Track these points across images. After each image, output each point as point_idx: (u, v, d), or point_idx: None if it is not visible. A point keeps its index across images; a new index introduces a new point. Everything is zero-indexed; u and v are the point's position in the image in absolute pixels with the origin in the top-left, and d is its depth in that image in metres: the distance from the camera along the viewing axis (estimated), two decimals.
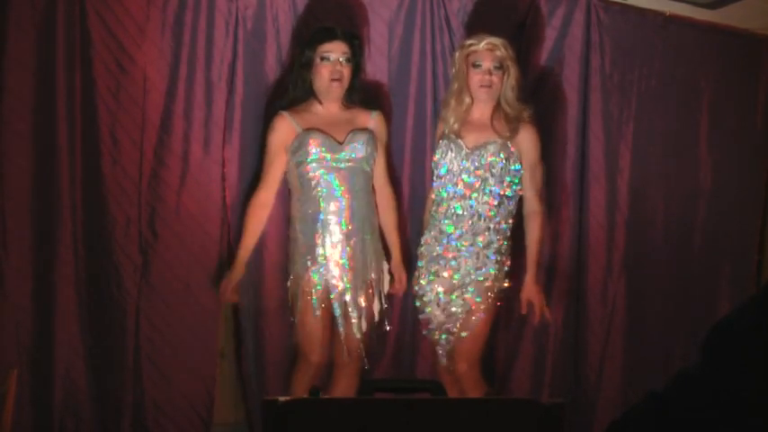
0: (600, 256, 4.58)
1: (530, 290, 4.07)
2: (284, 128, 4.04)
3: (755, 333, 1.22)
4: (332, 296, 4.00)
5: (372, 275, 4.08)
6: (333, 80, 4.02)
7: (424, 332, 4.17)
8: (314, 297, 3.99)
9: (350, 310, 4.01)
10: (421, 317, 4.17)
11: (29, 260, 3.92)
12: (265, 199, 4.08)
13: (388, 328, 4.16)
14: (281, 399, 2.20)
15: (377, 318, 4.11)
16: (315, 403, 2.30)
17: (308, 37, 4.11)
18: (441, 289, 4.08)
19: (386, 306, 4.14)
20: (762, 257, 4.96)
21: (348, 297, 4.01)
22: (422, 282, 4.13)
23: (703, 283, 4.81)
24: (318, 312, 3.99)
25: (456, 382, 4.01)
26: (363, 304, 4.03)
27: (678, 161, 4.76)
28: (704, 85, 4.78)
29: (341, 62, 4.03)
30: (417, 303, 4.15)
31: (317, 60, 4.03)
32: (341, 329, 4.01)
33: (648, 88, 4.67)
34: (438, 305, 4.07)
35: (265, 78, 4.24)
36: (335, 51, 4.02)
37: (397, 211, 4.23)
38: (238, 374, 4.33)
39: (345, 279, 4.00)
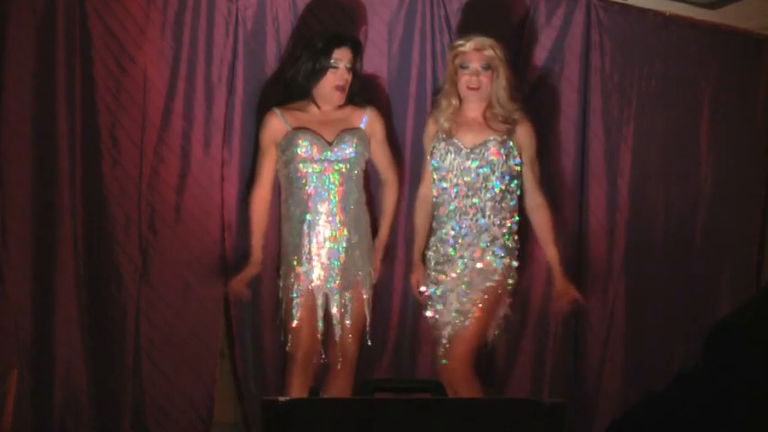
0: (600, 256, 4.58)
1: (563, 287, 4.09)
2: (274, 124, 4.04)
3: (756, 333, 1.22)
4: (319, 296, 3.99)
5: (360, 275, 4.06)
6: (337, 88, 4.01)
7: (433, 333, 4.14)
8: (300, 297, 3.98)
9: (337, 310, 4.00)
10: (428, 318, 4.14)
11: (29, 260, 3.92)
12: (260, 195, 4.08)
13: (368, 328, 4.12)
14: (281, 399, 2.20)
15: (367, 318, 4.09)
16: (315, 403, 2.30)
17: (320, 42, 4.02)
18: (448, 289, 4.07)
19: (372, 307, 4.12)
20: (762, 257, 4.95)
21: (336, 297, 4.00)
22: (430, 284, 4.11)
23: (703, 283, 4.81)
24: (304, 312, 3.97)
25: (449, 381, 3.98)
26: (351, 304, 4.03)
27: (678, 161, 4.76)
28: (704, 85, 4.78)
29: (347, 69, 4.02)
30: (428, 306, 4.13)
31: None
32: (331, 329, 4.00)
33: (648, 88, 4.67)
34: (445, 305, 4.06)
35: (265, 78, 4.24)
36: (344, 59, 4.01)
37: (397, 196, 4.23)
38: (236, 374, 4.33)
39: (333, 279, 4.00)
